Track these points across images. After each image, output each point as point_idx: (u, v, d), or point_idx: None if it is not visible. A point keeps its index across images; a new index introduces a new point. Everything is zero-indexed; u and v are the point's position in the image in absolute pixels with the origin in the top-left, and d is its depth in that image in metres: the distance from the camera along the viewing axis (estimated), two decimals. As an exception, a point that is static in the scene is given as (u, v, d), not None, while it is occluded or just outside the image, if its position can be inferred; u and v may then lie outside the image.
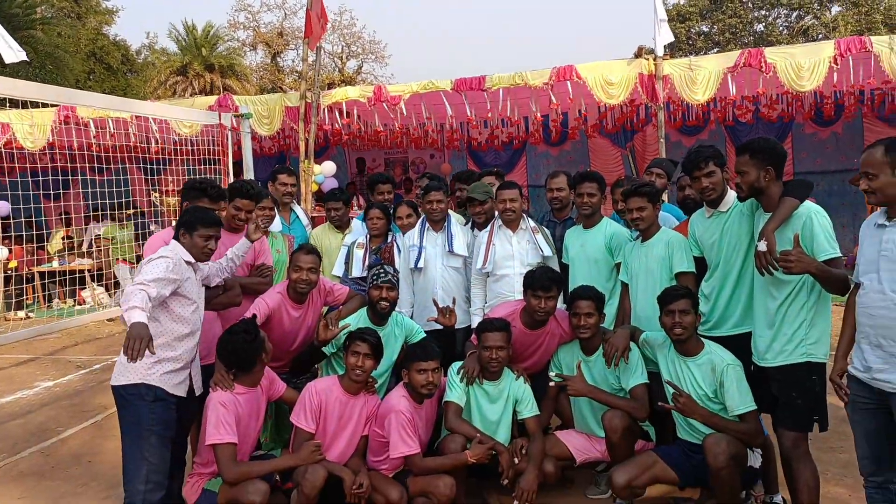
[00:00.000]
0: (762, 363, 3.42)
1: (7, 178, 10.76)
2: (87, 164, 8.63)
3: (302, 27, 10.41)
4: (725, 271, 3.70)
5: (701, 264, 3.95)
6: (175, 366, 3.38)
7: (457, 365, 4.11)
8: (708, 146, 3.81)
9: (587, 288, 4.05)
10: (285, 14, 31.76)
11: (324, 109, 10.32)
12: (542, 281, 3.98)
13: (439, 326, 4.75)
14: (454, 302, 4.56)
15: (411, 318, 4.80)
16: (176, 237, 3.53)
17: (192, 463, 3.82)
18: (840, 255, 3.21)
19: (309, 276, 4.11)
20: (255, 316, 3.78)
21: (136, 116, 9.58)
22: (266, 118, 10.36)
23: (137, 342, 2.85)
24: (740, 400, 3.50)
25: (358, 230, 5.45)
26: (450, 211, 5.11)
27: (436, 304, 4.53)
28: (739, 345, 3.62)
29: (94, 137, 10.00)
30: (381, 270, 4.24)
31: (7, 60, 9.25)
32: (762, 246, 3.14)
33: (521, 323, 4.15)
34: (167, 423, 3.34)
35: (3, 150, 10.22)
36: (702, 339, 3.70)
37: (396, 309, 4.50)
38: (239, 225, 4.28)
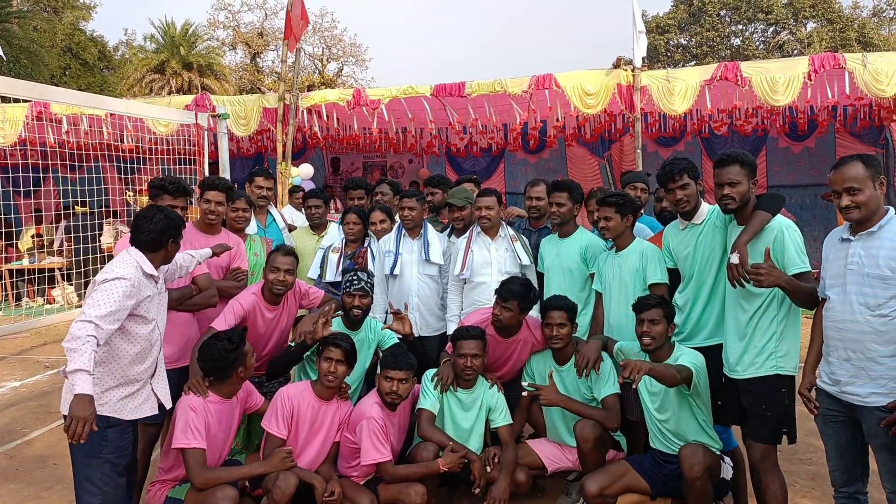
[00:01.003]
0: (733, 375, 3.45)
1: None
2: (61, 162, 8.50)
3: (283, 28, 10.34)
4: (699, 283, 3.73)
5: (675, 276, 3.98)
6: (131, 389, 3.16)
7: (431, 372, 4.10)
8: (682, 159, 3.84)
9: (559, 298, 4.06)
10: (266, 14, 31.64)
11: (302, 111, 10.27)
12: (502, 291, 4.02)
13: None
14: (406, 307, 4.56)
15: (385, 323, 4.78)
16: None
17: (156, 468, 3.76)
18: (810, 269, 3.25)
19: (286, 278, 4.07)
20: (245, 329, 3.70)
21: (111, 114, 9.45)
22: (243, 119, 10.28)
23: (80, 424, 2.66)
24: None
25: (335, 234, 5.41)
26: (424, 218, 5.08)
27: (391, 307, 4.51)
28: (712, 356, 3.64)
29: (65, 134, 9.84)
30: (355, 277, 4.21)
31: None
32: (734, 258, 3.18)
33: (494, 330, 4.15)
34: (121, 450, 3.13)
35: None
36: (675, 344, 3.72)
37: (370, 314, 4.48)
38: (212, 220, 4.23)
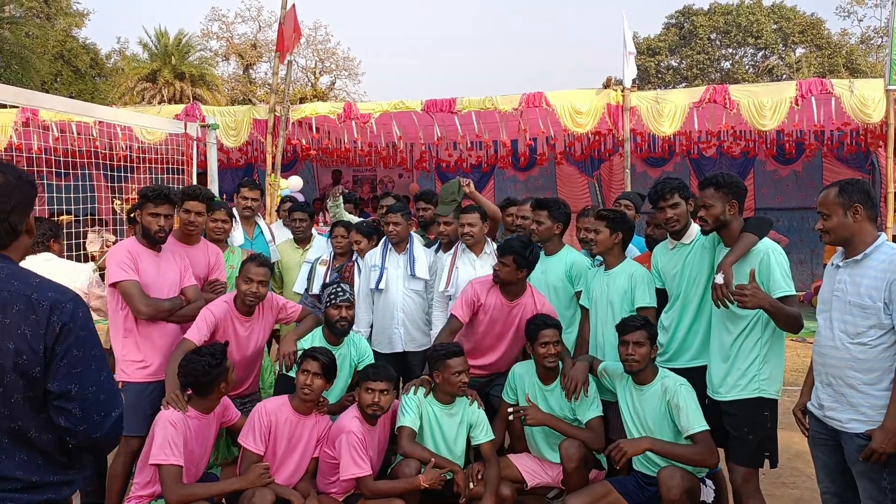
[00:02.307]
0: (716, 397, 3.45)
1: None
2: (48, 169, 8.43)
3: (276, 40, 10.35)
4: (685, 303, 3.73)
5: (662, 296, 3.97)
6: None
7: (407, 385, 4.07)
8: (674, 178, 3.86)
9: (548, 317, 4.05)
10: (260, 26, 31.74)
11: (293, 124, 10.25)
12: (501, 247, 4.16)
13: (398, 349, 4.72)
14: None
15: (368, 338, 4.75)
16: None
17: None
18: (795, 293, 3.26)
19: (258, 289, 3.92)
20: (226, 344, 3.65)
21: (101, 122, 9.40)
22: (233, 130, 10.24)
23: None
24: (694, 419, 3.49)
25: (319, 247, 5.38)
26: (413, 232, 5.07)
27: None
28: (695, 378, 3.63)
29: (53, 141, 9.77)
30: (339, 289, 4.17)
31: None
32: (719, 279, 3.19)
33: (499, 291, 4.19)
34: None
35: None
36: (658, 367, 3.71)
37: (354, 328, 4.45)
38: (191, 231, 4.17)
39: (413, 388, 3.99)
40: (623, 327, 3.66)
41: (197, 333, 3.78)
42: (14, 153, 10.31)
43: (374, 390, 3.73)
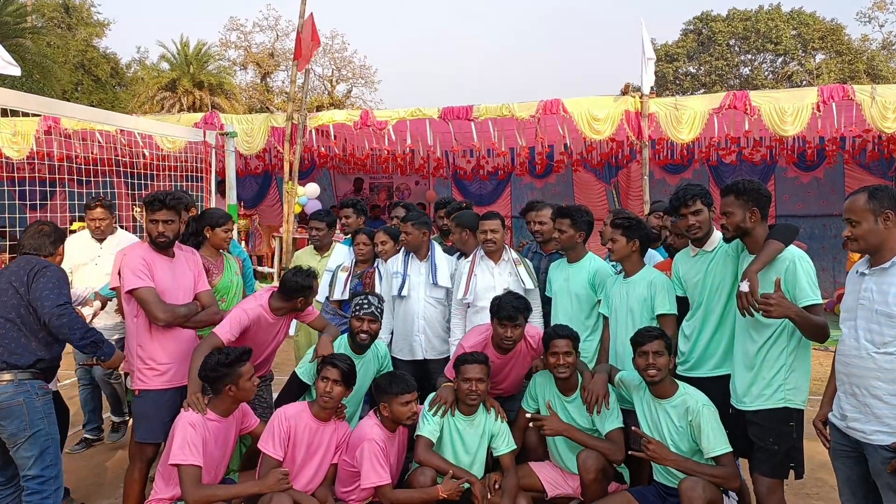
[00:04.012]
0: (740, 406, 3.39)
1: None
2: (70, 177, 8.51)
3: (293, 48, 10.41)
4: (707, 312, 3.68)
5: (683, 304, 3.92)
6: None
7: (431, 397, 4.04)
8: (696, 185, 3.81)
9: (563, 327, 4.02)
10: (277, 35, 32.00)
11: (310, 131, 10.30)
12: (507, 310, 3.96)
13: (418, 357, 4.70)
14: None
15: (389, 344, 4.74)
16: None
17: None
18: (821, 301, 3.20)
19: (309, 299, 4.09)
20: (249, 350, 3.65)
21: (121, 130, 9.50)
22: (249, 137, 10.31)
23: None
24: (715, 442, 3.45)
25: (340, 254, 5.38)
26: (433, 239, 5.05)
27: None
28: (718, 387, 3.58)
29: (77, 149, 9.89)
30: (365, 301, 4.15)
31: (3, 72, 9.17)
32: (744, 287, 3.13)
33: (493, 347, 4.11)
34: None
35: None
36: (676, 381, 3.67)
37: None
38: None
39: (436, 406, 3.97)
40: (639, 338, 3.62)
41: (228, 332, 3.79)
42: (36, 161, 10.45)
43: (410, 401, 3.76)
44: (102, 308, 4.71)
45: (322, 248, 5.54)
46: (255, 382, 3.65)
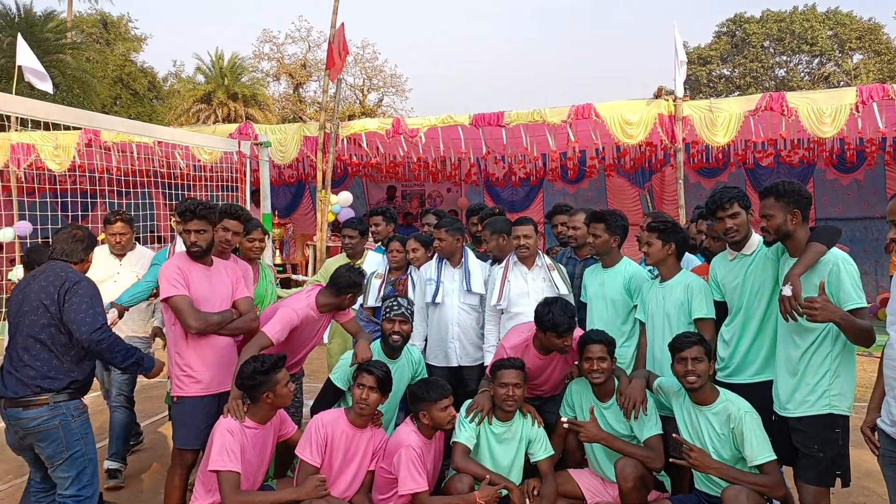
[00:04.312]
0: (783, 413, 3.32)
1: (35, 198, 10.88)
2: (110, 188, 8.71)
3: (325, 59, 10.52)
4: (747, 316, 3.61)
5: (720, 309, 3.86)
6: None
7: (469, 403, 4.03)
8: (733, 187, 3.74)
9: (598, 332, 3.98)
10: (309, 46, 32.38)
11: (342, 140, 10.38)
12: (564, 326, 3.86)
13: (453, 364, 4.69)
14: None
15: (423, 351, 4.74)
16: None
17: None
18: (866, 304, 3.12)
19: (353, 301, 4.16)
20: (284, 357, 3.67)
21: (159, 142, 9.69)
22: (283, 146, 10.42)
23: None
24: (759, 449, 3.38)
25: (373, 262, 5.40)
26: (466, 246, 5.05)
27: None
28: (760, 393, 3.51)
29: (116, 161, 10.11)
30: (395, 303, 4.18)
31: (37, 87, 9.45)
32: (787, 290, 3.06)
33: (535, 349, 4.07)
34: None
35: (26, 171, 10.36)
36: (717, 387, 3.60)
37: (409, 342, 4.44)
38: (225, 248, 4.18)
39: (473, 413, 3.96)
40: (678, 344, 3.56)
41: (279, 332, 3.82)
42: (77, 173, 10.71)
43: (448, 406, 3.77)
44: (120, 317, 4.54)
45: (354, 255, 5.57)
46: (292, 388, 3.67)
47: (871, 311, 9.69)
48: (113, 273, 5.12)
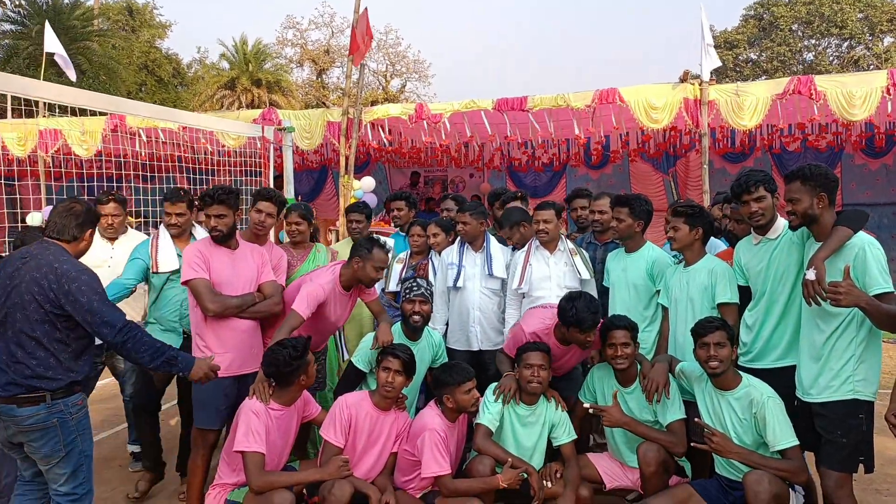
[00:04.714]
0: (806, 398, 3.30)
1: (62, 183, 11.05)
2: (135, 172, 8.81)
3: (348, 45, 10.52)
4: (771, 301, 3.59)
5: (744, 294, 3.83)
6: None
7: (494, 386, 4.06)
8: (758, 170, 3.70)
9: (621, 318, 3.97)
10: (332, 32, 32.39)
11: (365, 125, 10.39)
12: (589, 323, 3.83)
13: (474, 348, 4.71)
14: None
15: (444, 335, 4.77)
16: None
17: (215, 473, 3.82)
18: (893, 290, 3.08)
19: (377, 275, 4.10)
20: (310, 338, 3.72)
21: (184, 127, 9.77)
22: (307, 133, 10.46)
23: None
24: (781, 435, 3.37)
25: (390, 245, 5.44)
26: (487, 231, 5.06)
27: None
28: (782, 378, 3.50)
29: (142, 146, 10.22)
30: (414, 284, 4.22)
31: (66, 73, 9.57)
32: (811, 275, 3.04)
33: (555, 339, 4.08)
34: None
35: (54, 156, 10.50)
36: (739, 372, 3.59)
37: (430, 325, 4.47)
38: (260, 231, 4.34)
39: (498, 394, 3.97)
40: (700, 329, 3.55)
41: (306, 308, 3.85)
42: (104, 158, 10.84)
43: (472, 388, 3.80)
44: None
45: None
46: (316, 367, 3.74)
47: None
48: (105, 258, 4.87)
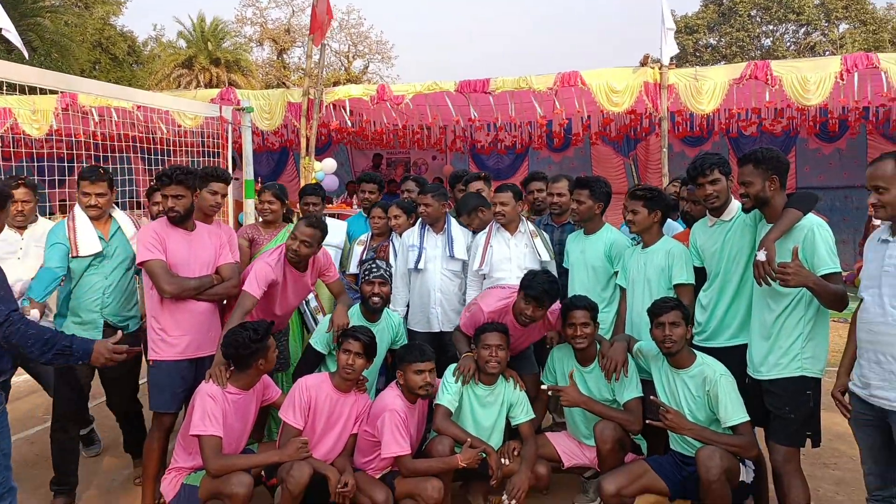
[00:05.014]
0: (756, 376, 3.38)
1: (12, 164, 10.71)
2: (88, 153, 8.57)
3: (309, 24, 10.36)
4: (724, 281, 3.66)
5: (700, 275, 3.90)
6: None
7: (453, 367, 4.07)
8: (713, 154, 3.77)
9: (581, 298, 4.01)
10: (293, 11, 31.90)
11: (327, 107, 10.27)
12: (537, 290, 3.85)
13: (435, 329, 4.72)
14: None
15: (405, 317, 4.77)
16: None
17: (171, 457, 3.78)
18: (840, 270, 3.17)
19: (300, 248, 4.00)
20: (272, 323, 3.69)
21: (139, 106, 9.54)
22: (267, 113, 10.31)
23: None
24: (733, 411, 3.45)
25: (335, 230, 5.44)
26: (448, 213, 5.05)
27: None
28: (735, 357, 3.57)
29: (95, 126, 9.96)
30: (373, 265, 4.20)
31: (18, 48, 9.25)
32: (761, 256, 3.11)
33: (514, 316, 4.09)
34: None
35: (3, 135, 10.20)
36: (694, 351, 3.66)
37: (391, 308, 4.46)
38: (212, 212, 4.25)
39: (457, 374, 3.99)
40: (656, 309, 3.61)
41: (256, 287, 3.84)
42: (55, 138, 10.54)
43: (424, 371, 3.76)
44: (42, 315, 3.90)
45: None
46: (276, 352, 3.71)
47: (849, 278, 9.83)
48: (15, 249, 4.56)
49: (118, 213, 4.26)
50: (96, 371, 4.10)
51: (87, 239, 4.03)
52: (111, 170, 4.48)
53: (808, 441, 3.31)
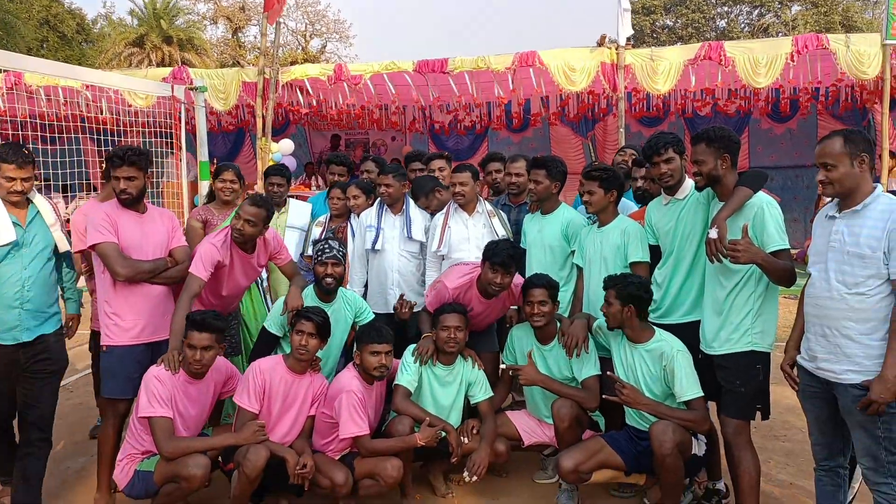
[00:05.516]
0: (709, 351, 3.45)
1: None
2: (34, 134, 8.31)
3: (263, 2, 10.16)
4: (678, 259, 3.71)
5: (656, 252, 3.96)
6: None
7: (412, 347, 4.07)
8: (668, 133, 3.81)
9: (541, 276, 4.04)
10: (248, -12, 31.17)
11: (283, 86, 10.12)
12: (502, 256, 3.90)
13: (392, 310, 4.71)
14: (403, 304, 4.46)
15: (363, 297, 4.74)
16: None
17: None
18: (789, 247, 3.24)
19: (244, 227, 3.90)
20: (230, 315, 3.66)
21: (88, 86, 9.28)
22: (222, 93, 10.12)
23: None
24: (688, 386, 3.52)
25: (297, 212, 5.37)
26: (406, 193, 5.03)
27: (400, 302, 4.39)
28: (689, 333, 3.63)
29: (44, 106, 9.65)
30: (326, 246, 4.15)
31: None
32: (713, 233, 3.16)
33: (477, 290, 4.12)
34: None
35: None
36: (653, 325, 3.72)
37: (348, 287, 4.42)
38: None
39: (416, 355, 4.00)
40: (605, 285, 3.68)
41: (202, 269, 3.78)
42: None
43: (380, 352, 3.74)
44: None
45: (279, 204, 5.42)
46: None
47: (800, 255, 10.10)
48: None
49: (38, 199, 3.80)
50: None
51: (3, 226, 3.57)
52: (59, 150, 4.23)
53: (759, 414, 3.40)
